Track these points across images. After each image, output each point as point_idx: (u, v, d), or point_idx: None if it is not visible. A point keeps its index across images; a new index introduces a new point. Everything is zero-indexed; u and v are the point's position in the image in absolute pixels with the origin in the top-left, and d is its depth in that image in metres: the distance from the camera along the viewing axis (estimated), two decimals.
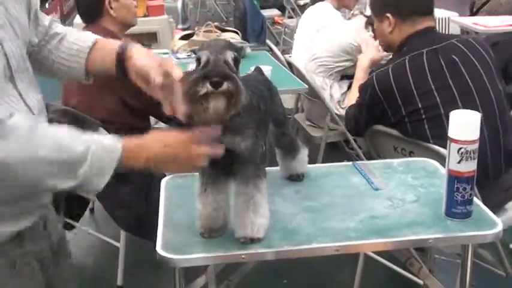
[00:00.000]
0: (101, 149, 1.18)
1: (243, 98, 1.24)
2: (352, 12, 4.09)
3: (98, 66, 1.44)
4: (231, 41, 1.33)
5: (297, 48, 4.30)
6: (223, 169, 1.39)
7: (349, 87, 3.62)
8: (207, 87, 1.21)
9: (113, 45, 1.41)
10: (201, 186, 1.42)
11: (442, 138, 2.07)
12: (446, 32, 5.07)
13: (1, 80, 1.17)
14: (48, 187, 1.19)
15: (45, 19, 1.45)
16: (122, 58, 1.38)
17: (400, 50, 2.34)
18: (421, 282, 2.14)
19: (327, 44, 3.63)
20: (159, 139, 1.26)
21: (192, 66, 3.12)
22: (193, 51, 1.30)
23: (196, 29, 4.16)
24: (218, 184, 1.41)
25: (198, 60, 1.26)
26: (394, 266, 2.62)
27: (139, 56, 1.37)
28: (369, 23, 3.44)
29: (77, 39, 1.45)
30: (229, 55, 1.25)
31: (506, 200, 2.36)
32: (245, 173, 1.37)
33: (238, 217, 1.39)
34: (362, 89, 2.37)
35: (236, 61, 1.27)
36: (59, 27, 1.46)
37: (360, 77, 2.80)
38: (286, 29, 7.28)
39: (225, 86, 1.21)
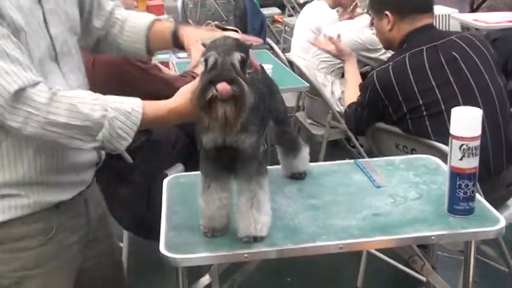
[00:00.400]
0: (118, 115, 1.28)
1: (249, 102, 1.24)
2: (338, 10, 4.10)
3: (157, 44, 1.62)
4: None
5: (295, 47, 4.31)
6: (225, 167, 1.40)
7: None
8: (212, 92, 1.21)
9: (167, 26, 1.59)
10: (204, 184, 1.41)
11: (444, 135, 2.07)
12: (447, 29, 5.07)
13: (47, 59, 1.35)
14: (71, 147, 1.31)
15: (108, 5, 1.62)
16: (176, 37, 1.56)
17: (400, 48, 2.34)
18: (424, 279, 2.14)
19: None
20: (177, 112, 1.34)
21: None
22: (203, 45, 1.31)
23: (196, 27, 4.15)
24: (221, 182, 1.41)
25: (206, 61, 1.26)
26: (397, 264, 2.62)
27: (187, 34, 1.52)
28: (372, 23, 3.45)
29: (134, 25, 1.61)
30: (237, 57, 1.25)
31: (508, 196, 2.36)
32: (248, 170, 1.37)
33: (241, 215, 1.39)
34: (363, 87, 2.37)
35: (243, 62, 1.27)
36: (119, 13, 1.63)
37: (348, 80, 2.80)
38: (286, 28, 7.26)
39: (231, 90, 1.21)
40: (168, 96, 1.37)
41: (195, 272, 1.62)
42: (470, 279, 1.56)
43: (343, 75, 3.63)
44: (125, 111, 1.29)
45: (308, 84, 3.31)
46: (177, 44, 1.56)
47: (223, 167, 1.40)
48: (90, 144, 1.29)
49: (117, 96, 1.33)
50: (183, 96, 1.34)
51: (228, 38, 1.31)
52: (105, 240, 1.66)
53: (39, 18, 1.33)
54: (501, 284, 2.67)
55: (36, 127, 1.23)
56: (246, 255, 1.39)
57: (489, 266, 2.64)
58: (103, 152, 1.52)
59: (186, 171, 2.89)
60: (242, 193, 1.39)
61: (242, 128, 1.32)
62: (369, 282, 2.73)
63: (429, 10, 2.37)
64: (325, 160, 3.23)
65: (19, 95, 1.21)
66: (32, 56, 1.29)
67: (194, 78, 2.41)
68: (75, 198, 1.47)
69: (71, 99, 1.26)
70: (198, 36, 1.46)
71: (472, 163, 1.47)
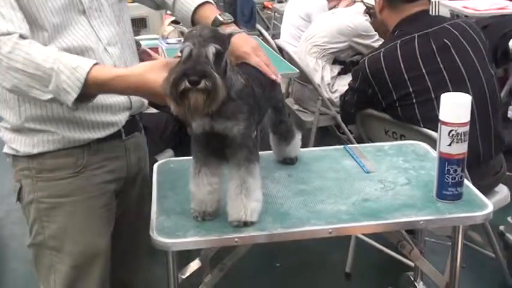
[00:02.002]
0: (64, 69, 1.36)
1: (222, 94, 1.25)
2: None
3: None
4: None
5: (284, 33, 4.31)
6: (215, 153, 1.40)
7: (340, 72, 3.64)
8: (185, 84, 1.23)
9: (211, 15, 1.63)
10: (195, 169, 1.42)
11: (433, 122, 2.07)
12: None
13: (70, 12, 1.49)
14: (34, 97, 1.41)
15: None
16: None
17: (392, 34, 2.34)
18: (412, 264, 2.16)
19: (327, 25, 3.63)
20: (127, 81, 1.38)
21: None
22: (181, 33, 1.31)
23: None
24: (211, 167, 1.42)
25: (182, 52, 1.27)
26: (385, 249, 2.64)
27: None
28: (367, 12, 3.48)
29: (184, 4, 1.68)
30: (211, 49, 1.25)
31: (495, 184, 2.39)
32: (237, 157, 1.38)
33: (231, 201, 1.40)
34: (354, 72, 2.38)
35: (219, 54, 1.27)
36: None
37: None
38: (276, 14, 7.24)
39: (203, 84, 1.23)
40: None
41: (185, 256, 1.63)
42: (458, 264, 1.57)
43: (334, 61, 3.65)
44: (71, 66, 1.36)
45: (298, 71, 3.31)
46: None
47: (213, 152, 1.40)
48: (46, 95, 1.38)
49: (74, 55, 1.42)
50: (140, 68, 1.39)
51: (206, 29, 1.31)
52: (133, 199, 1.75)
53: None
54: (488, 270, 2.71)
55: (2, 73, 1.37)
56: (236, 240, 1.39)
57: (476, 251, 2.68)
58: (134, 98, 1.62)
59: (175, 156, 2.90)
60: (232, 179, 1.40)
61: (230, 115, 1.33)
62: (357, 267, 2.76)
63: None
64: (314, 146, 3.24)
65: None
66: (41, 7, 1.44)
67: None
68: (112, 143, 1.62)
69: (30, 49, 1.37)
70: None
71: (460, 149, 1.48)
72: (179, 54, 1.31)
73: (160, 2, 1.75)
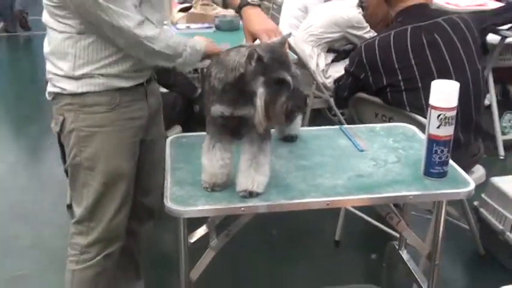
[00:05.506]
0: (191, 51, 1.74)
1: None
2: None
3: (229, 5, 1.79)
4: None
5: (283, 23, 4.27)
6: (230, 131, 1.39)
7: (333, 60, 3.62)
8: (289, 108, 1.29)
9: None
10: (209, 144, 1.41)
11: (418, 108, 2.08)
12: None
13: (134, 7, 1.65)
14: (160, 64, 1.74)
15: None
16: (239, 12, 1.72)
17: (391, 23, 2.32)
18: (395, 234, 2.17)
19: (323, 17, 3.60)
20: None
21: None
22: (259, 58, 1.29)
23: (193, 2, 4.09)
24: (225, 143, 1.41)
25: (283, 80, 1.27)
26: (371, 219, 2.65)
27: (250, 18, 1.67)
28: (360, 4, 3.45)
29: None
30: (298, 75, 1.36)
31: (472, 165, 2.38)
32: (252, 135, 1.37)
33: (241, 173, 1.40)
34: (351, 57, 2.35)
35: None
36: None
37: None
38: (274, 5, 7.17)
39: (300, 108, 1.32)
40: None
41: (192, 223, 1.62)
42: (440, 234, 1.59)
43: (328, 50, 3.63)
44: (196, 49, 1.74)
45: (296, 57, 3.28)
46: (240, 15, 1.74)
47: (228, 130, 1.39)
48: (169, 64, 1.72)
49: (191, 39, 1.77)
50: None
51: (283, 51, 1.34)
52: (154, 135, 1.92)
53: None
54: (462, 240, 2.73)
55: (147, 52, 1.67)
56: (243, 209, 1.39)
57: (452, 224, 2.69)
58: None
59: (183, 131, 2.88)
60: (244, 154, 1.39)
61: (250, 101, 1.31)
62: (346, 236, 2.76)
63: None
64: (309, 126, 3.23)
65: (138, 29, 1.62)
66: None
67: None
68: (137, 88, 1.78)
69: (167, 36, 1.69)
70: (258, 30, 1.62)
71: (447, 131, 1.47)
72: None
73: None
